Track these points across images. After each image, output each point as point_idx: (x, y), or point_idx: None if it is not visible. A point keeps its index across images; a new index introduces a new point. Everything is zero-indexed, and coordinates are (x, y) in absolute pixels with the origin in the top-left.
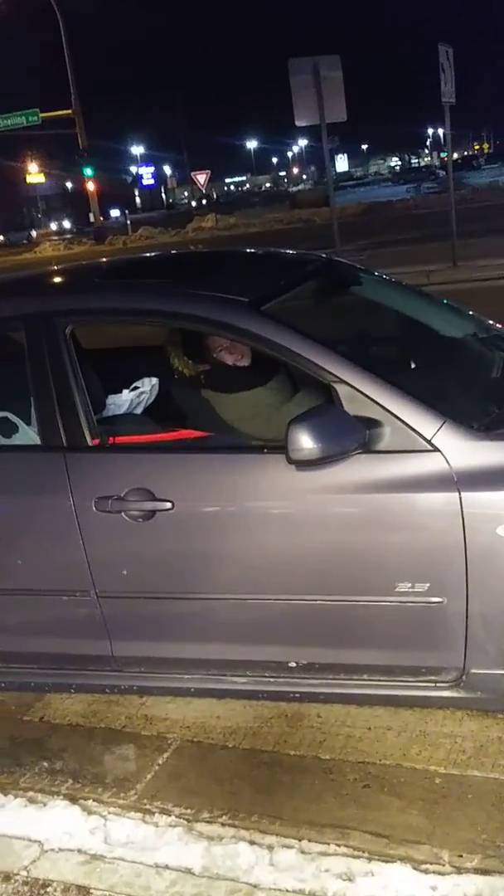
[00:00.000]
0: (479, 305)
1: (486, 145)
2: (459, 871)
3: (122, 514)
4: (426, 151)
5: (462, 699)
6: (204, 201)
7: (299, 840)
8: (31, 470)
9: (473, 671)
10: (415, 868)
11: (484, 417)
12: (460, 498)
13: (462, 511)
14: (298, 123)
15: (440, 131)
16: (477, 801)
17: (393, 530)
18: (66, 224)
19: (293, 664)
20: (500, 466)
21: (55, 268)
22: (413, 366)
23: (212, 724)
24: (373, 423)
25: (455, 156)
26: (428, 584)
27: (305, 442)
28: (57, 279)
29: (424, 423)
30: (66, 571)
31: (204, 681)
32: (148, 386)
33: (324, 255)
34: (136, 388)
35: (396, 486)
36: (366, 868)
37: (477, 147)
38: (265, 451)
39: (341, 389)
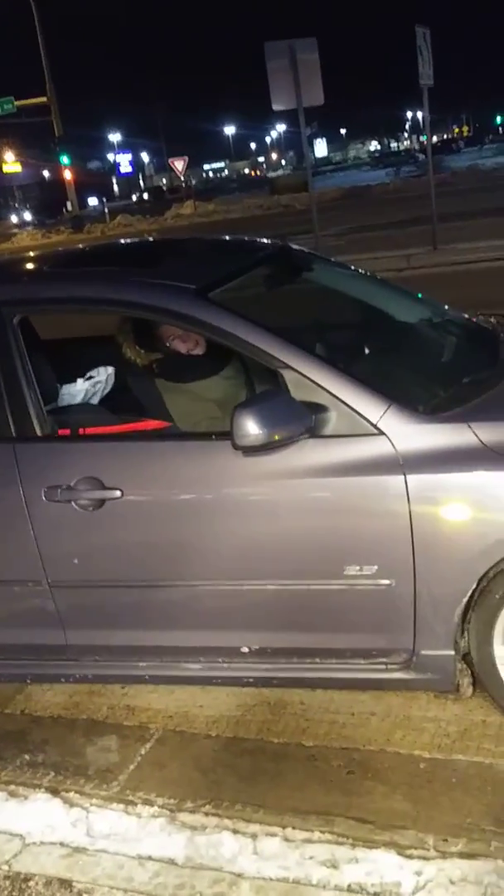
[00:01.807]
0: (460, 289)
1: (465, 128)
2: (444, 855)
3: (72, 503)
4: (405, 135)
5: (412, 680)
6: (183, 185)
7: (283, 828)
8: None
9: (423, 652)
10: (399, 853)
11: (430, 401)
12: (406, 481)
13: (408, 494)
14: (276, 108)
15: (419, 115)
16: (461, 785)
17: (340, 514)
18: (28, 216)
19: (245, 649)
20: (445, 449)
21: (5, 257)
22: (361, 350)
23: (194, 714)
24: (319, 408)
25: (434, 139)
26: (376, 567)
27: (251, 428)
28: (5, 269)
29: (370, 408)
30: (18, 561)
31: (159, 668)
32: (104, 375)
33: (276, 242)
34: (91, 377)
35: (343, 470)
36: (350, 854)
37: (457, 130)
38: (213, 437)
39: (287, 375)
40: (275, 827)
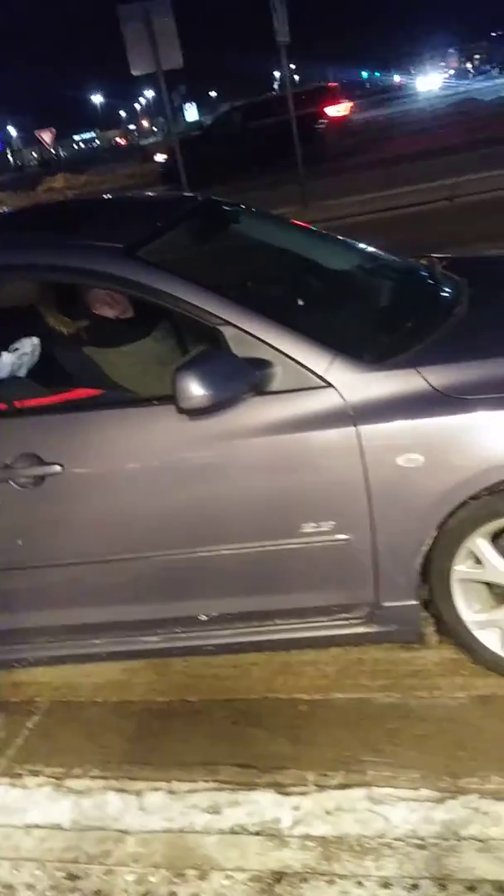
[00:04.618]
0: None
1: (332, 84)
2: (322, 788)
3: (10, 482)
4: (274, 94)
5: (377, 633)
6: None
7: (168, 782)
8: None
9: (386, 604)
10: (279, 792)
11: (376, 348)
12: (358, 432)
13: (361, 445)
14: (134, 72)
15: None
16: (340, 721)
17: (293, 471)
18: None
19: (204, 617)
20: (395, 396)
21: None
22: (300, 302)
23: (80, 682)
24: (263, 364)
25: (303, 97)
26: (333, 522)
27: (194, 389)
28: None
29: (315, 360)
30: None
31: (115, 644)
32: (28, 347)
33: (199, 195)
34: (15, 349)
35: (293, 426)
36: (231, 798)
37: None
38: (155, 403)
39: (227, 332)
40: (160, 782)
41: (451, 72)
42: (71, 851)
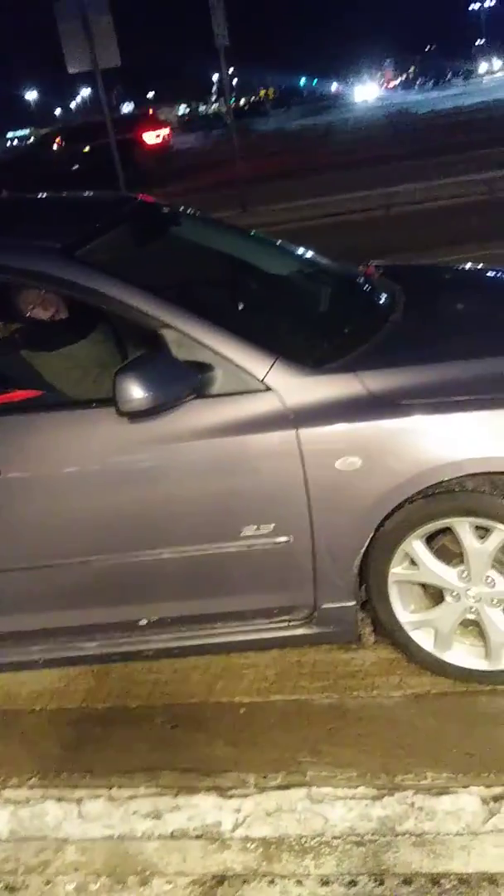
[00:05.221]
0: None
1: (270, 90)
2: (262, 790)
3: None
4: (213, 98)
5: (316, 635)
6: None
7: (109, 788)
8: None
9: (324, 606)
10: (220, 795)
11: (315, 353)
12: (297, 435)
13: (300, 448)
14: (71, 70)
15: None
16: (280, 723)
17: (233, 474)
18: None
19: (144, 622)
20: (334, 400)
21: None
22: (240, 306)
23: (16, 691)
24: (204, 368)
25: (242, 102)
26: (273, 525)
27: (135, 392)
28: None
29: (255, 364)
30: None
31: (53, 650)
32: None
33: (136, 196)
34: None
35: (233, 430)
36: (172, 804)
37: (263, 92)
38: (94, 405)
39: (168, 334)
40: (101, 789)
41: (397, 81)
42: (9, 863)
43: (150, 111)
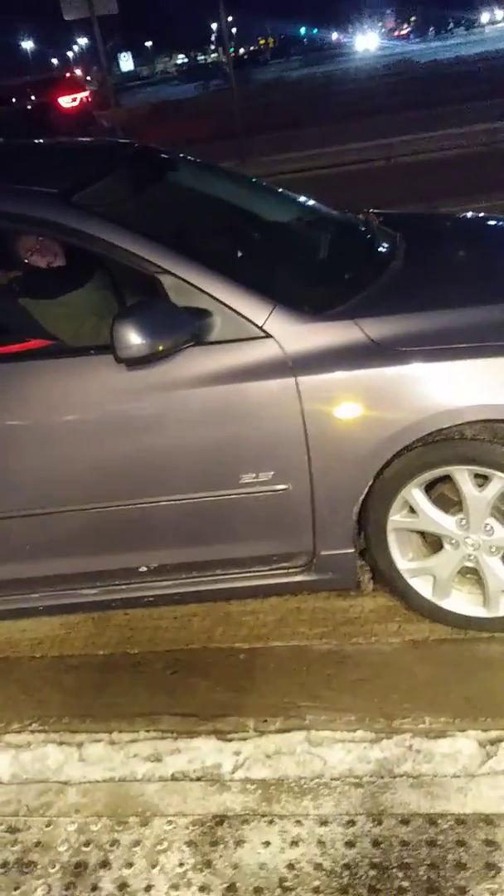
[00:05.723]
0: None
1: (270, 40)
2: (262, 734)
3: None
4: (212, 48)
5: (315, 581)
6: None
7: (109, 733)
8: None
9: (323, 553)
10: (220, 738)
11: (314, 299)
12: (297, 383)
13: (299, 396)
14: (67, 17)
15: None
16: (279, 669)
17: (232, 422)
18: None
19: (144, 569)
20: (333, 347)
21: None
22: (239, 253)
23: (17, 638)
24: (202, 314)
25: (241, 51)
26: (272, 472)
27: (133, 338)
28: None
29: (254, 310)
30: None
31: (53, 597)
32: None
33: (136, 142)
34: None
35: (232, 377)
36: (172, 747)
37: (262, 42)
38: (92, 352)
39: (166, 281)
40: (101, 733)
41: (406, 30)
42: (10, 805)
43: (67, 73)
